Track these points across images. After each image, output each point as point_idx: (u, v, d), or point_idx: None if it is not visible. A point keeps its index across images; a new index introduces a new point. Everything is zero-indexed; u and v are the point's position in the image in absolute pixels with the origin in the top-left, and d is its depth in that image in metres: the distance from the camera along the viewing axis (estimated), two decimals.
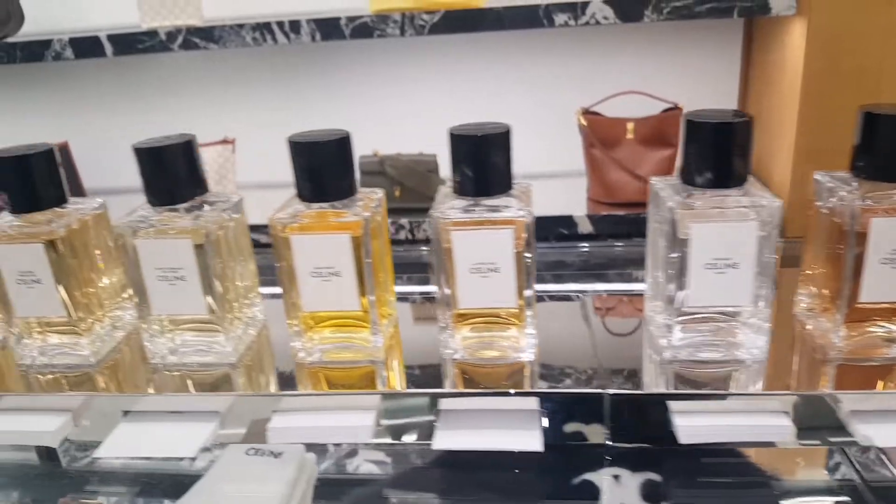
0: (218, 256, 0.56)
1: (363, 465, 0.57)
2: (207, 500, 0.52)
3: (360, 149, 1.20)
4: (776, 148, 0.92)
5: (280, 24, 0.94)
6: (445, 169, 1.00)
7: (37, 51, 1.04)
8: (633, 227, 0.89)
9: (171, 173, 0.55)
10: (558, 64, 1.13)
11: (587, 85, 1.09)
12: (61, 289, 0.58)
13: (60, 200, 0.59)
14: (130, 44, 0.99)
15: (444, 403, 0.54)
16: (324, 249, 0.54)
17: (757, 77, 0.99)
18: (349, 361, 0.58)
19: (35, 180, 0.57)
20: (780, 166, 0.84)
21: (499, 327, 0.57)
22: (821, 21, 0.77)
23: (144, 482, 0.58)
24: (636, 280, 0.75)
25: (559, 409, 0.53)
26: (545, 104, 1.15)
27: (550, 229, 0.87)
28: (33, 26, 1.12)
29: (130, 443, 0.54)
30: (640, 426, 0.53)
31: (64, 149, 1.38)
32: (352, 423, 0.54)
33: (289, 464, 0.55)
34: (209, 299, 0.57)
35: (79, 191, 1.24)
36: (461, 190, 0.54)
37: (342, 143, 0.54)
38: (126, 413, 0.57)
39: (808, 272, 0.58)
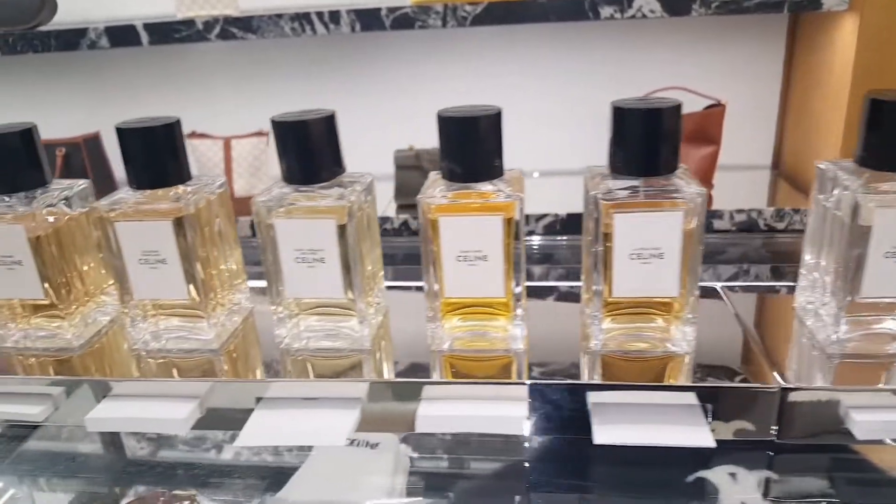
0: (358, 238, 0.53)
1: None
2: (307, 491, 0.49)
3: (396, 143, 1.19)
4: (821, 147, 0.90)
5: (319, 15, 0.93)
6: None
7: (72, 39, 1.02)
8: None
9: (316, 150, 0.52)
10: (599, 58, 1.11)
11: (628, 80, 1.07)
12: (187, 269, 0.55)
13: (185, 177, 0.56)
14: (167, 33, 0.97)
15: (597, 397, 0.51)
16: (473, 232, 0.51)
17: (800, 75, 0.98)
18: (484, 350, 0.55)
19: (162, 154, 0.54)
20: None
21: (644, 318, 0.53)
22: (874, 17, 0.75)
23: (238, 471, 0.55)
24: None
25: (722, 403, 0.49)
26: (585, 98, 1.12)
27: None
28: (66, 15, 1.10)
29: (271, 431, 0.51)
30: (812, 422, 0.49)
31: (95, 139, 1.35)
32: (502, 413, 0.50)
33: (386, 454, 0.52)
34: (346, 282, 0.55)
35: (110, 181, 1.21)
36: (621, 169, 0.50)
37: (495, 120, 0.50)
38: (259, 400, 0.54)
39: None
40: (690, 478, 0.51)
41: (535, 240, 0.92)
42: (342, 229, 0.52)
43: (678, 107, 0.49)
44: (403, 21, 0.90)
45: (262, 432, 0.51)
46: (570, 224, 0.92)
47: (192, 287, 0.56)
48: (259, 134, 1.16)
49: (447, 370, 0.54)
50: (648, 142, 0.49)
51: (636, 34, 1.04)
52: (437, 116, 0.51)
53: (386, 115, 1.19)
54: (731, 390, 0.50)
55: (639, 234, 0.50)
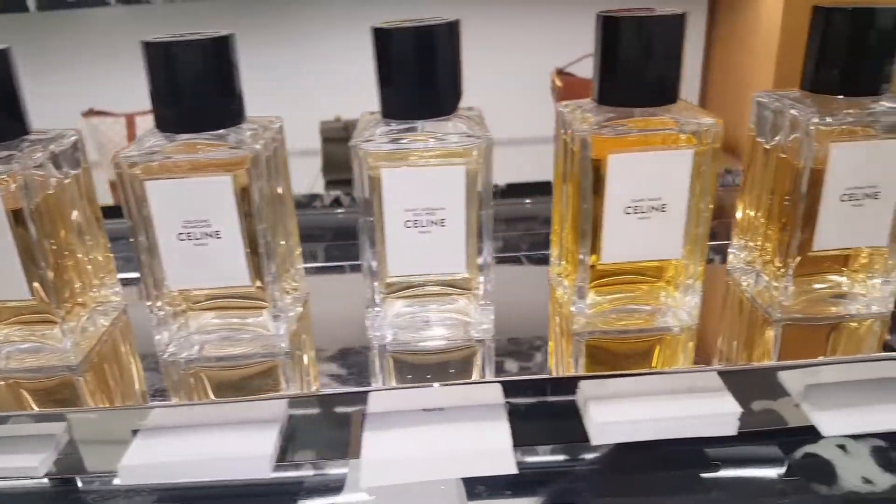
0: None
1: None
2: None
3: (322, 114, 1.07)
4: (746, 113, 0.84)
5: None
6: None
7: None
8: None
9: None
10: (528, 23, 1.01)
11: (559, 45, 0.97)
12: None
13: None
14: None
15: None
16: (647, 173, 0.38)
17: (723, 34, 0.91)
18: (640, 330, 0.42)
19: None
20: (748, 132, 0.75)
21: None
22: None
23: None
24: None
25: None
26: (516, 66, 1.01)
27: (529, 195, 0.77)
28: None
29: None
30: None
31: None
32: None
33: None
34: None
35: None
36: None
37: (679, 21, 0.37)
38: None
39: None
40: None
41: None
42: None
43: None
44: None
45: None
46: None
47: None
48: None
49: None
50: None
51: None
52: (598, 18, 0.38)
53: (310, 85, 1.07)
54: None
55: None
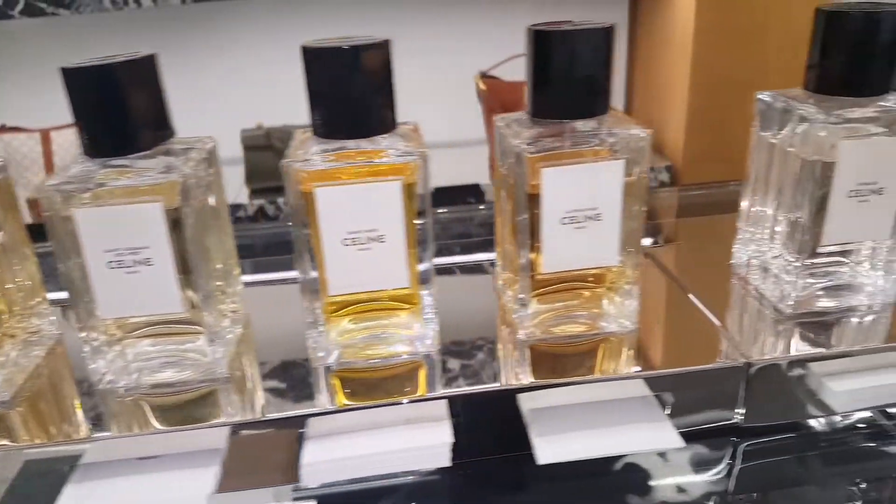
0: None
1: None
2: None
3: (243, 122, 1.06)
4: (668, 111, 0.85)
5: None
6: None
7: None
8: None
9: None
10: (451, 25, 1.03)
11: (482, 48, 0.95)
12: None
13: None
14: None
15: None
16: (358, 205, 0.38)
17: (644, 37, 0.94)
18: (382, 358, 0.42)
19: None
20: (672, 131, 0.79)
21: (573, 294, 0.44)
22: None
23: None
24: None
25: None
26: (440, 69, 1.02)
27: (456, 199, 0.77)
28: None
29: None
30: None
31: None
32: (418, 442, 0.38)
33: None
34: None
35: None
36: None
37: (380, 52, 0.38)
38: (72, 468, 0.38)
39: None
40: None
41: None
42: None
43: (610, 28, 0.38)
44: None
45: None
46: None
47: None
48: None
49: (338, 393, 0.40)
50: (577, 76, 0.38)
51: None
52: (301, 50, 0.38)
53: (230, 93, 1.06)
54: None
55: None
